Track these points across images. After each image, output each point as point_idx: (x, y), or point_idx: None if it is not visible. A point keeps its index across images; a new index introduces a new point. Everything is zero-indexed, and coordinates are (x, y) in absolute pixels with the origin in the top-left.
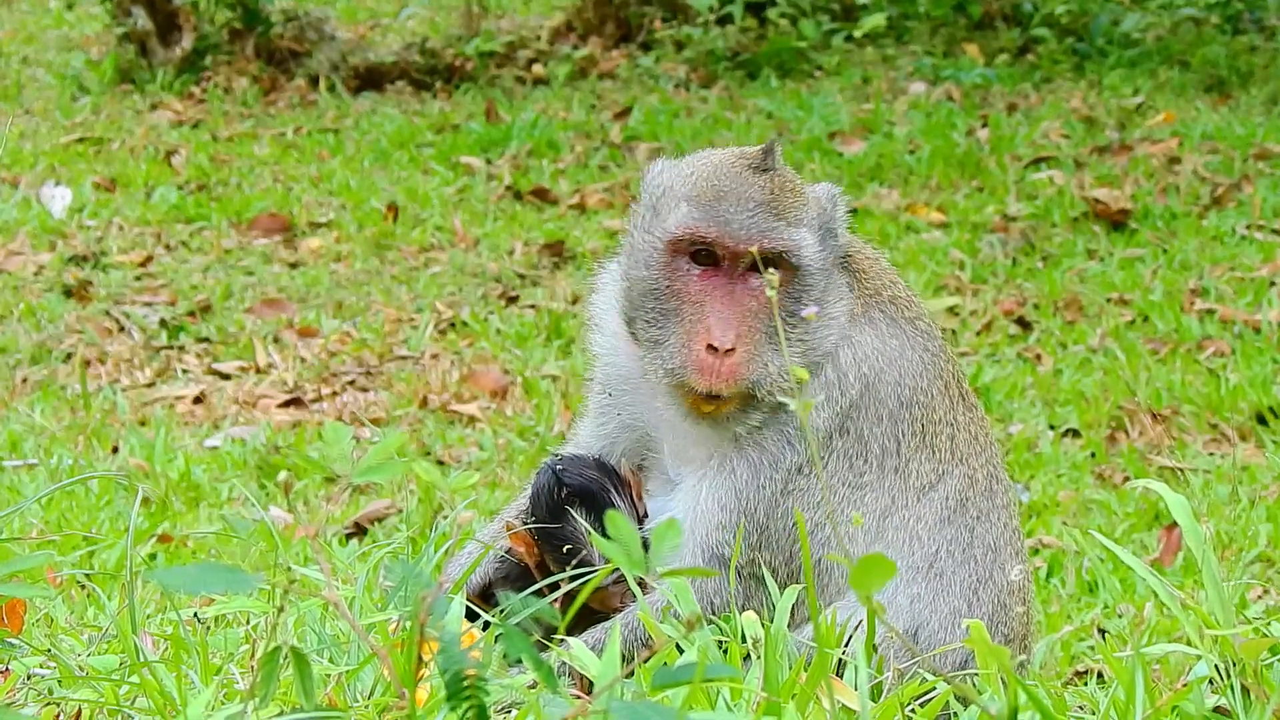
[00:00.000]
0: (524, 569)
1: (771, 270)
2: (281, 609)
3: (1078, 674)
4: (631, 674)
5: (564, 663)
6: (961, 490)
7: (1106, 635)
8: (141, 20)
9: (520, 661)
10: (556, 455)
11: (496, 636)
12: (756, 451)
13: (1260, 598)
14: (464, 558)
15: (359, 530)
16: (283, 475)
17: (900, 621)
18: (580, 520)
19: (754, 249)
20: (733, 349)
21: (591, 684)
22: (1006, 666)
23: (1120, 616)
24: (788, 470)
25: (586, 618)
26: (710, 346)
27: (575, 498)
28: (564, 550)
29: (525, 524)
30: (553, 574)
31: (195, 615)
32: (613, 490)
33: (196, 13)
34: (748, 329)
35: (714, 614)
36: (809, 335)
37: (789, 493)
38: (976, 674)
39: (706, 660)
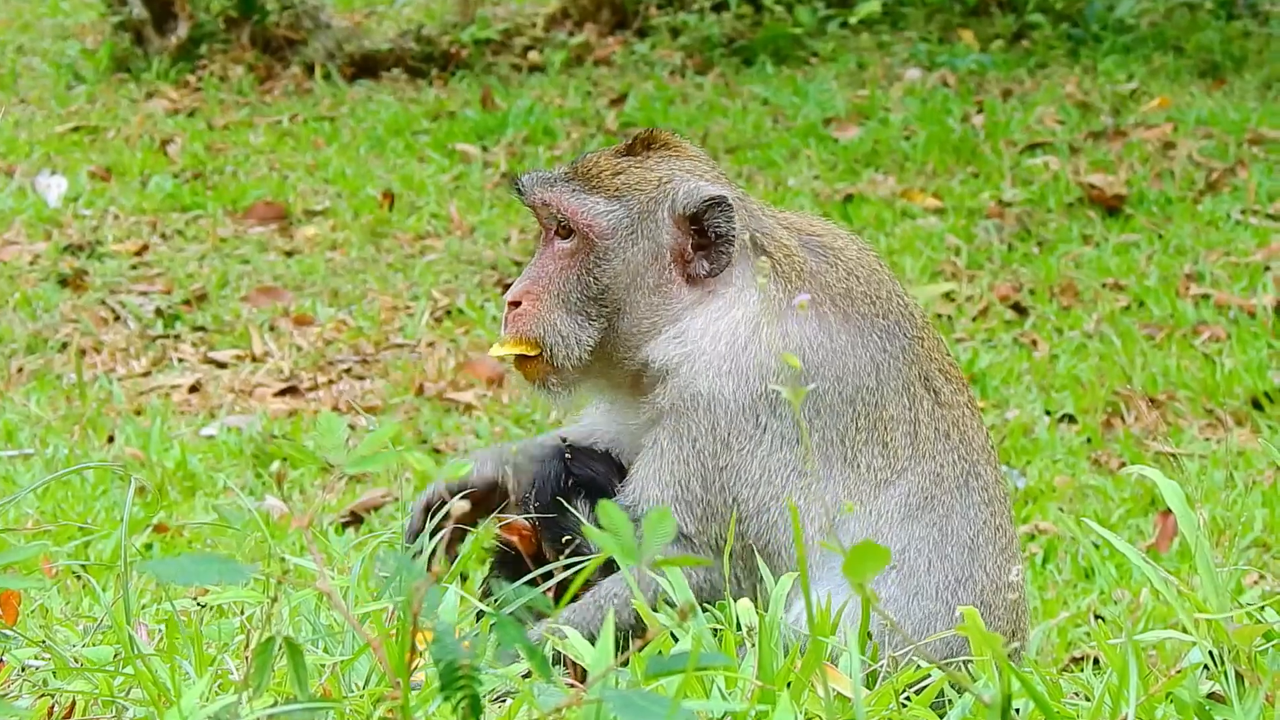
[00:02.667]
0: (516, 555)
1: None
2: (275, 599)
3: (1074, 660)
4: (626, 662)
5: (557, 650)
6: (925, 488)
7: (1103, 621)
8: (137, 9)
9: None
10: (565, 442)
11: (491, 625)
12: (676, 429)
13: (1256, 583)
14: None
15: (355, 519)
16: (275, 466)
17: (874, 623)
18: (582, 511)
19: (538, 207)
20: (518, 302)
21: (585, 672)
22: (1000, 653)
23: (1116, 602)
24: (711, 444)
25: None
26: (511, 302)
27: (581, 488)
28: (564, 540)
29: (524, 511)
30: (547, 562)
31: (197, 602)
32: (617, 483)
33: (192, 1)
34: (540, 287)
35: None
36: (610, 304)
37: (721, 468)
38: (971, 660)
39: (700, 648)
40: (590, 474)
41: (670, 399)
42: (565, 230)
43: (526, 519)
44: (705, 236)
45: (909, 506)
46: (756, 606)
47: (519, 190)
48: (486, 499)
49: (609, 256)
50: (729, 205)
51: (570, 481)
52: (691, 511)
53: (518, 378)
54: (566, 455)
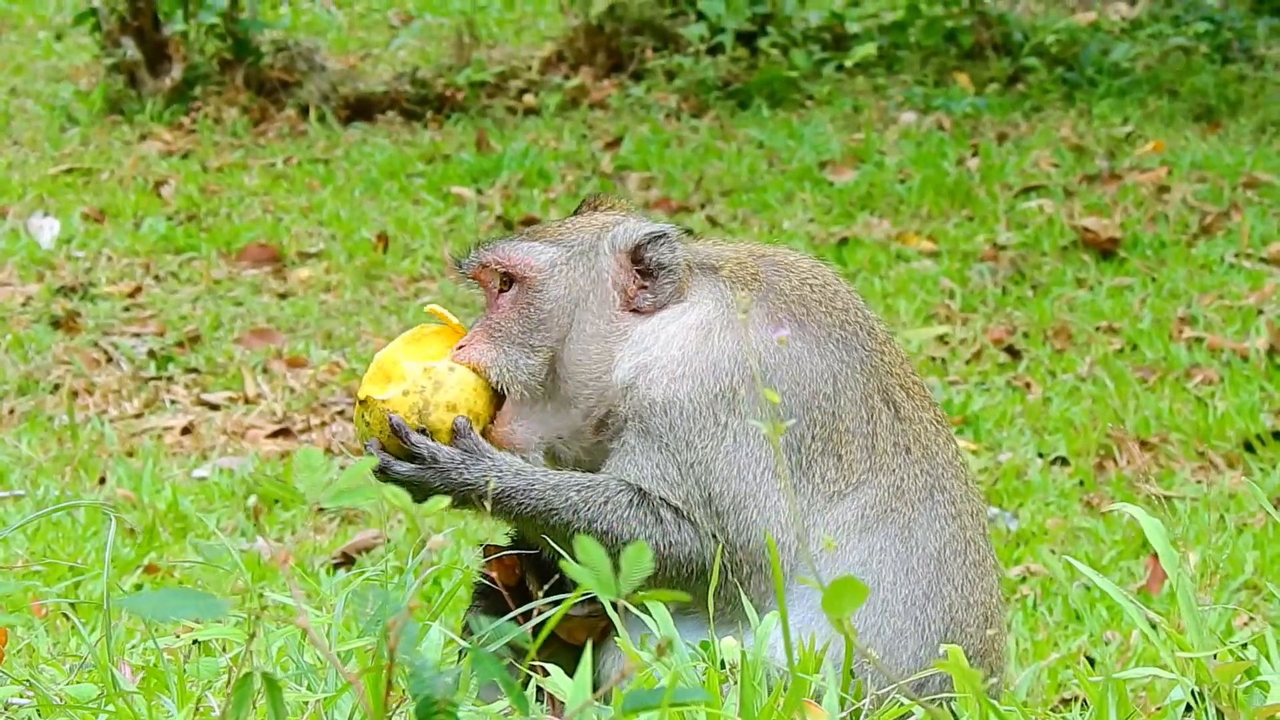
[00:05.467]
0: (496, 591)
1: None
2: (254, 635)
3: (1064, 701)
4: (606, 698)
5: (538, 687)
6: (884, 500)
7: (1092, 663)
8: (131, 51)
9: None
10: None
11: (471, 661)
12: (641, 429)
13: (1246, 624)
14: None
15: (347, 560)
16: (252, 500)
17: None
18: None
19: (479, 272)
20: (465, 345)
21: (564, 706)
22: (979, 690)
23: (1107, 644)
24: (674, 442)
25: (560, 646)
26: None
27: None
28: (549, 575)
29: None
30: (531, 597)
31: (177, 637)
32: None
33: (186, 43)
34: (484, 332)
35: (664, 554)
36: (555, 330)
37: (690, 465)
38: (954, 698)
39: (678, 684)
40: None
41: (631, 407)
42: (507, 281)
43: (510, 552)
44: (648, 271)
45: (866, 519)
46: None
47: (458, 266)
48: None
49: (548, 286)
50: (669, 237)
51: None
52: (675, 490)
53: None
54: None
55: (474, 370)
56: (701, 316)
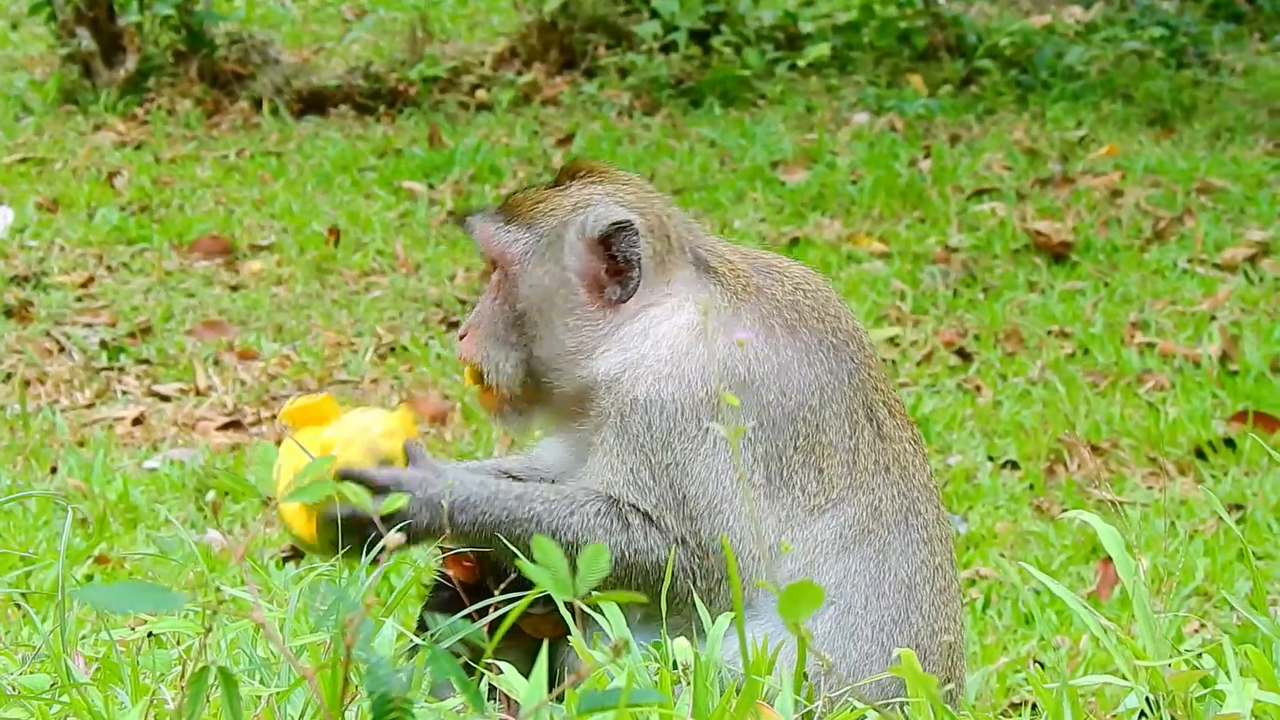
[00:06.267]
0: (451, 589)
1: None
2: (210, 629)
3: (1013, 705)
4: (560, 698)
5: (492, 686)
6: (862, 520)
7: (1042, 667)
8: (86, 41)
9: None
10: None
11: (425, 659)
12: (620, 428)
13: (1197, 631)
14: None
15: (296, 553)
16: (210, 495)
17: (811, 663)
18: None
19: (476, 242)
20: (464, 334)
21: (519, 705)
22: (934, 695)
23: (1056, 649)
24: (651, 443)
25: (520, 639)
26: (460, 335)
27: None
28: (506, 571)
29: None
30: (490, 594)
31: (133, 630)
32: None
33: (141, 34)
34: (478, 319)
35: (626, 559)
36: (527, 330)
37: (666, 466)
38: (906, 702)
39: (634, 686)
40: None
41: (613, 404)
42: (493, 262)
43: (470, 551)
44: (618, 261)
45: (844, 539)
46: (698, 601)
47: (460, 225)
48: None
49: (519, 282)
50: (634, 229)
51: None
52: (646, 495)
53: (478, 407)
54: None
55: (472, 368)
56: (692, 317)
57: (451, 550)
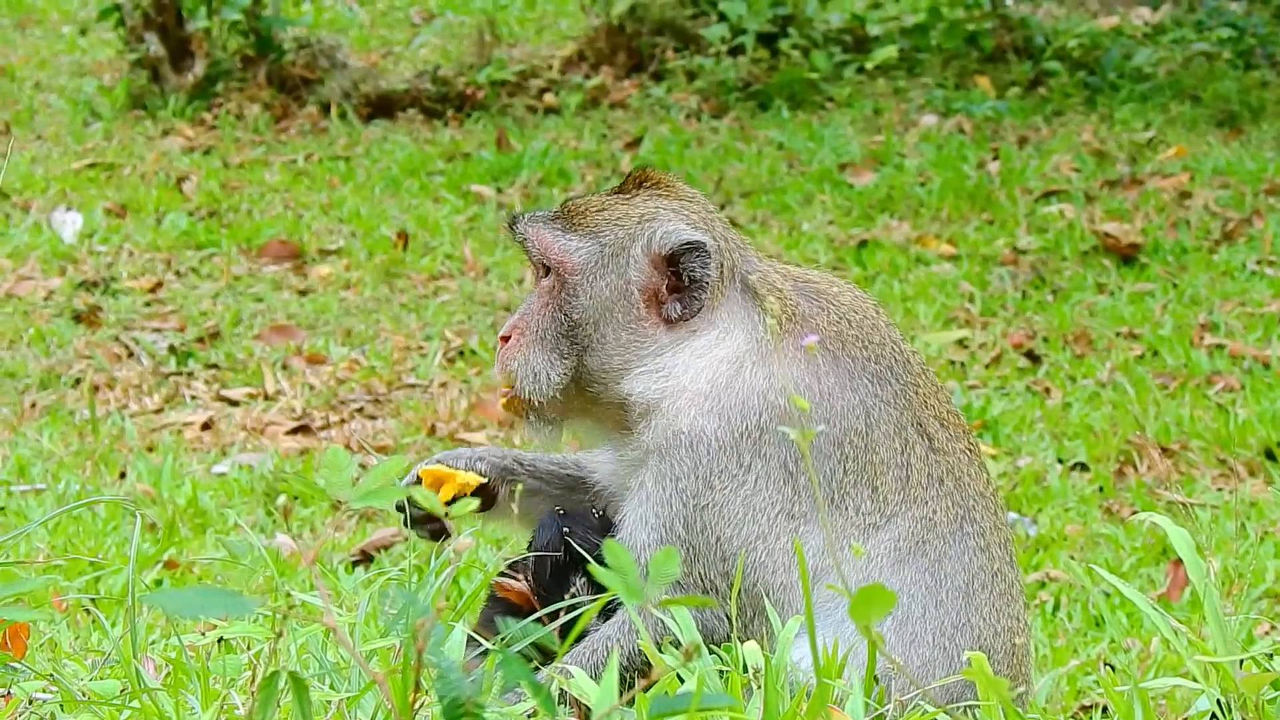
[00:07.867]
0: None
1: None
2: (280, 634)
3: (1083, 708)
4: (631, 702)
5: (562, 690)
6: (917, 533)
7: (1112, 670)
8: (154, 46)
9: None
10: (560, 511)
11: (496, 663)
12: (659, 469)
13: (1268, 633)
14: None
15: (365, 558)
16: (281, 499)
17: (878, 667)
18: (579, 584)
19: (525, 245)
20: (508, 336)
21: (589, 711)
22: (1005, 698)
23: (1127, 651)
24: (694, 484)
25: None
26: (501, 337)
27: (577, 564)
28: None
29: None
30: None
31: (218, 639)
32: None
33: (209, 39)
34: (523, 323)
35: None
36: (580, 340)
37: (703, 508)
38: (976, 705)
39: (705, 689)
40: (586, 547)
41: (654, 437)
42: (545, 267)
43: (527, 585)
44: (681, 279)
45: (900, 551)
46: (763, 646)
47: (511, 229)
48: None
49: (578, 292)
50: (706, 251)
51: (568, 557)
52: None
53: (505, 411)
54: (564, 530)
55: (505, 380)
56: (733, 350)
57: (510, 576)
